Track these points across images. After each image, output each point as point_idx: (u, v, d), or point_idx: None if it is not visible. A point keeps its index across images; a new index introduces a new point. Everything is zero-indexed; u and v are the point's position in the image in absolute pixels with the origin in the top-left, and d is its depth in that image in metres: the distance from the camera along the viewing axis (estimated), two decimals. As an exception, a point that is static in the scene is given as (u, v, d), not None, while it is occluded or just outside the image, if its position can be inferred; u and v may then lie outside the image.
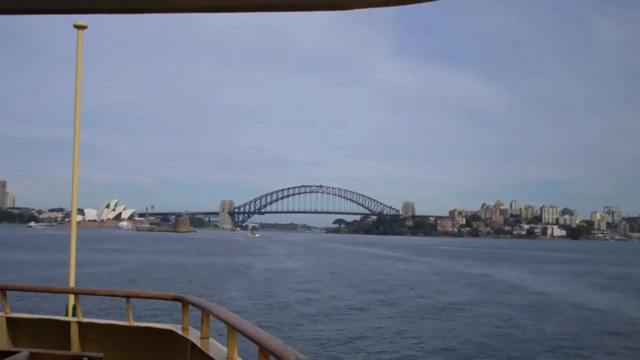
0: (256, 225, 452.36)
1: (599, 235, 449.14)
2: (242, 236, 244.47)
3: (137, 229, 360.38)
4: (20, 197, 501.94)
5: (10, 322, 8.99)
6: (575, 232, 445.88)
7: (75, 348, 8.52)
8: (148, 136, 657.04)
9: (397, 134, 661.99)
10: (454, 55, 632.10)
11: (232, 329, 5.96)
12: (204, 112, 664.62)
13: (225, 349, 6.53)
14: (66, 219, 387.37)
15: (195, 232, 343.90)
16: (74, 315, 9.08)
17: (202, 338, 7.38)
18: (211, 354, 6.71)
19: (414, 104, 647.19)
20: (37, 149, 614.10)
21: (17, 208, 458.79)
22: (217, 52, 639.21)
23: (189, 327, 8.02)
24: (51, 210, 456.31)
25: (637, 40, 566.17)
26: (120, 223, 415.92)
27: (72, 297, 9.39)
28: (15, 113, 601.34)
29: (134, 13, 1.85)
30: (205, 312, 7.25)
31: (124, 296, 8.69)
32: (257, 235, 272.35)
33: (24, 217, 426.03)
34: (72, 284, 10.32)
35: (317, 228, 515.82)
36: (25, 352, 6.08)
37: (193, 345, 7.37)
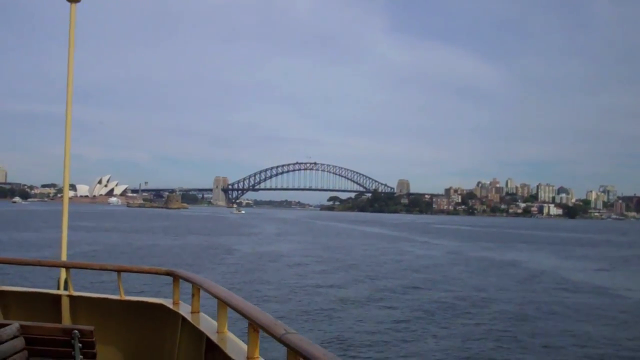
0: (242, 202, 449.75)
1: (596, 214, 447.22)
2: (237, 215, 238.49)
3: (128, 205, 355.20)
4: (12, 172, 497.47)
5: (1, 295, 8.85)
6: (571, 211, 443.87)
7: (66, 321, 8.51)
8: (143, 113, 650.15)
9: (392, 111, 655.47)
10: (450, 33, 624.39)
11: (223, 303, 5.96)
12: (199, 89, 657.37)
13: (215, 323, 6.54)
14: (58, 195, 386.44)
15: (187, 208, 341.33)
16: (65, 288, 8.99)
17: (192, 312, 7.38)
18: (201, 328, 6.69)
19: (409, 82, 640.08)
20: (30, 125, 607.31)
21: (9, 183, 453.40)
22: (213, 28, 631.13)
23: (180, 302, 7.96)
24: (44, 186, 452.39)
25: (633, 18, 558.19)
26: (110, 199, 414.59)
27: (63, 271, 9.29)
28: (8, 88, 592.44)
29: None
30: (196, 287, 7.19)
31: (115, 270, 8.50)
32: (243, 212, 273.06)
33: (15, 192, 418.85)
34: (63, 257, 10.23)
35: (311, 205, 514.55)
36: (15, 325, 6.21)
37: (184, 319, 7.38)
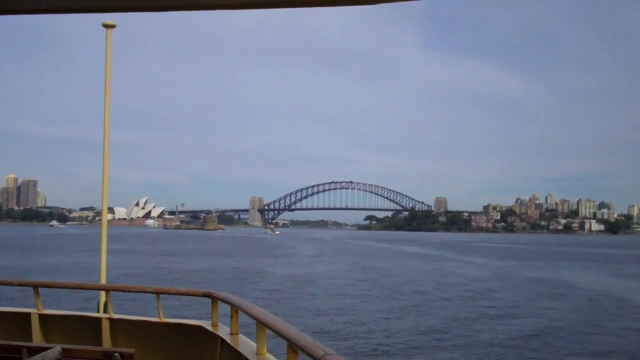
0: (278, 222, 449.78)
1: (638, 229, 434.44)
2: (271, 235, 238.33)
3: (165, 227, 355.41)
4: (51, 196, 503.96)
5: (43, 318, 9.08)
6: (613, 227, 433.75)
7: (107, 344, 8.65)
8: (179, 135, 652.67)
9: (427, 129, 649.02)
10: (484, 48, 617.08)
11: (261, 324, 6.02)
12: (233, 111, 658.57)
13: (254, 344, 6.62)
14: (96, 218, 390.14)
15: (223, 229, 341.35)
16: (105, 311, 9.20)
17: (231, 334, 7.46)
18: (241, 350, 6.81)
19: (443, 98, 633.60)
20: (69, 149, 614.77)
21: (48, 207, 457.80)
22: (244, 50, 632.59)
23: (219, 323, 8.07)
24: (82, 209, 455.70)
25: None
26: (147, 221, 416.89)
27: (103, 294, 9.43)
28: (47, 113, 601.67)
29: (161, 11, 1.94)
30: (235, 308, 7.27)
31: (154, 292, 8.61)
32: (277, 232, 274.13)
33: (54, 216, 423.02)
34: (103, 280, 10.51)
35: (347, 225, 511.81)
36: (57, 348, 6.18)
37: (223, 341, 7.45)
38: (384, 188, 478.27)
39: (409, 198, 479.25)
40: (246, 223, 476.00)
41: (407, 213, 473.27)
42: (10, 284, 9.71)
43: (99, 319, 8.95)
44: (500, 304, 39.94)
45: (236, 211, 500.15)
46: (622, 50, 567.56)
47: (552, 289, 51.44)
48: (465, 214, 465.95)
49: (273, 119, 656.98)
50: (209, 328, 8.01)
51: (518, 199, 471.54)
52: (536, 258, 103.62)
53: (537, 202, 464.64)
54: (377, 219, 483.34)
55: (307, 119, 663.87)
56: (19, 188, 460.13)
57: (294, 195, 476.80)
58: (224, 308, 7.74)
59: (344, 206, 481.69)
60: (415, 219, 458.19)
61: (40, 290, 9.34)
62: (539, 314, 36.31)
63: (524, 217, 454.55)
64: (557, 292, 48.79)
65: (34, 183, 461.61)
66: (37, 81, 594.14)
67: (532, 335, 28.81)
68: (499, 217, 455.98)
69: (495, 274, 67.12)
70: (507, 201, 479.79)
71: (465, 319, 33.34)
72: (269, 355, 6.27)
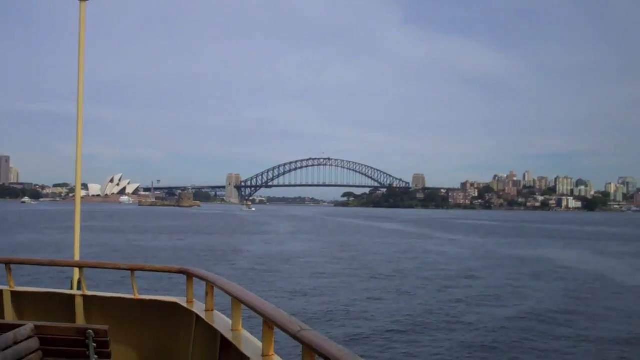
0: (255, 199, 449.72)
1: (615, 206, 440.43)
2: (247, 212, 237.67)
3: (140, 204, 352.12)
4: (25, 172, 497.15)
5: (15, 295, 9.04)
6: (590, 204, 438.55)
7: (80, 321, 8.63)
8: (155, 110, 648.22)
9: (406, 105, 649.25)
10: (464, 24, 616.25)
11: (237, 300, 6.05)
12: (211, 86, 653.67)
13: (230, 321, 6.62)
14: (70, 194, 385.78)
15: (199, 206, 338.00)
16: (79, 288, 9.17)
17: (206, 310, 7.44)
18: (216, 326, 6.80)
19: (424, 75, 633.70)
20: (42, 124, 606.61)
21: (21, 183, 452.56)
22: (225, 24, 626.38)
23: (194, 300, 8.05)
24: (55, 186, 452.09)
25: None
26: (122, 198, 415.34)
27: (76, 271, 9.57)
28: (21, 88, 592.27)
29: None
30: (210, 285, 7.25)
31: (128, 269, 8.60)
32: (254, 209, 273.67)
33: (27, 192, 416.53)
34: (76, 257, 10.52)
35: (325, 202, 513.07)
36: (30, 325, 6.32)
37: (198, 317, 7.44)
38: (362, 165, 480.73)
39: (387, 175, 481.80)
40: (223, 200, 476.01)
41: (384, 190, 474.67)
42: None
43: (72, 296, 8.90)
44: (482, 284, 38.37)
45: (213, 188, 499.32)
46: (609, 25, 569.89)
47: (534, 267, 50.00)
48: (443, 190, 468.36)
49: (251, 94, 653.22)
50: (184, 305, 8.00)
51: (496, 176, 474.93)
52: (515, 235, 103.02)
53: (515, 179, 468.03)
54: (355, 196, 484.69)
55: (286, 95, 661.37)
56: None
57: (272, 172, 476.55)
58: (199, 285, 7.69)
59: (321, 183, 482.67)
60: (393, 196, 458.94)
61: (13, 267, 9.23)
62: (523, 294, 34.81)
63: (501, 194, 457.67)
64: (539, 270, 47.30)
65: (7, 159, 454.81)
66: (11, 55, 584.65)
67: (518, 317, 27.16)
68: (476, 194, 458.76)
69: (475, 251, 65.86)
70: (486, 178, 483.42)
71: (448, 300, 31.65)
72: (244, 331, 6.29)
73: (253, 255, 56.31)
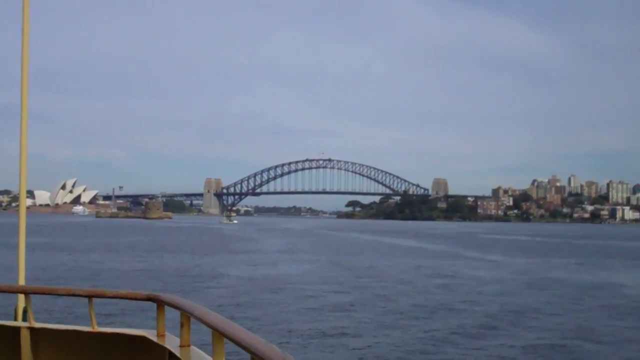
0: (239, 209, 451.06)
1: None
2: (228, 226, 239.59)
3: (97, 215, 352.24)
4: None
5: None
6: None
7: (27, 359, 8.68)
8: (119, 101, 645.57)
9: (424, 94, 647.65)
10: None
11: (219, 333, 5.79)
12: (187, 72, 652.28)
13: (210, 358, 6.46)
14: (12, 204, 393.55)
15: (171, 218, 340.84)
16: (24, 319, 9.27)
17: (182, 346, 7.35)
18: None
19: (445, 57, 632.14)
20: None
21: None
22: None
23: (166, 333, 8.01)
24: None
25: None
26: (76, 208, 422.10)
27: (21, 298, 9.65)
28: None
29: None
30: (186, 315, 7.13)
31: (85, 296, 8.47)
32: (235, 221, 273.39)
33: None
34: (21, 282, 10.62)
35: (326, 212, 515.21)
36: None
37: (171, 354, 7.39)
38: (371, 167, 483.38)
39: (402, 180, 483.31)
40: (200, 210, 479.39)
41: (398, 198, 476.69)
42: None
43: (16, 329, 8.94)
44: (540, 325, 35.80)
45: (188, 196, 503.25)
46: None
47: (603, 298, 48.01)
48: (470, 199, 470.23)
49: (235, 81, 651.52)
50: (154, 339, 7.89)
51: (535, 180, 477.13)
52: (565, 254, 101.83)
53: (558, 184, 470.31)
54: (362, 206, 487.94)
55: (277, 81, 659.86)
56: None
57: (260, 176, 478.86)
58: (172, 315, 7.57)
59: (321, 190, 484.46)
60: (409, 205, 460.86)
61: None
62: (587, 330, 33.34)
63: (541, 202, 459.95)
64: (611, 303, 45.33)
65: None
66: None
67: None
68: (511, 203, 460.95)
69: (520, 277, 63.88)
70: (522, 183, 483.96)
71: (497, 352, 28.73)
72: None
73: (235, 280, 55.78)
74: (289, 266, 71.76)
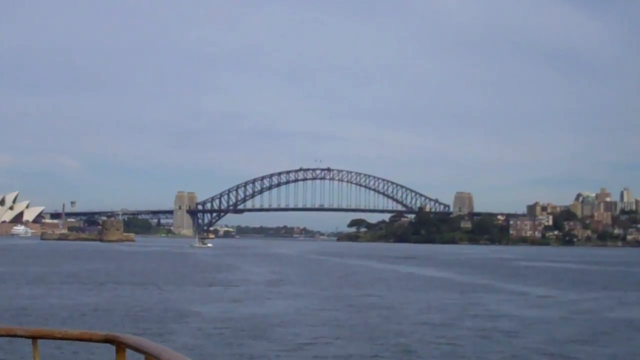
0: (218, 230, 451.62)
1: None
2: (201, 250, 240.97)
3: (43, 237, 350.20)
4: None
5: None
6: None
7: None
8: (69, 98, 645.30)
9: (448, 90, 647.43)
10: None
11: None
12: (154, 62, 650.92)
13: None
14: None
15: (133, 240, 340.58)
16: None
17: None
18: None
19: (470, 44, 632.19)
20: None
21: None
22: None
23: None
24: None
25: None
26: (16, 228, 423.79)
27: None
28: None
29: None
30: (151, 359, 6.82)
31: (29, 336, 8.04)
32: (210, 245, 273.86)
33: None
34: None
35: (323, 234, 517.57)
36: None
37: None
38: (379, 179, 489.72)
39: (417, 194, 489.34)
40: (170, 231, 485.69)
41: (413, 216, 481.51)
42: None
43: None
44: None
45: (154, 213, 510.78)
46: None
47: None
48: (500, 217, 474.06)
49: (209, 73, 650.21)
50: None
51: (579, 195, 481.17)
52: (627, 287, 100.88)
53: (608, 199, 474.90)
54: (368, 226, 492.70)
55: (264, 72, 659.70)
56: None
57: (243, 189, 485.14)
58: (134, 359, 7.40)
59: (317, 206, 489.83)
60: (426, 225, 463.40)
61: None
62: None
63: (588, 222, 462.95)
64: None
65: None
66: None
67: None
68: (550, 222, 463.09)
69: (574, 315, 62.55)
70: (564, 198, 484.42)
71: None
72: None
73: (208, 321, 54.62)
74: (277, 303, 70.45)
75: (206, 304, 66.87)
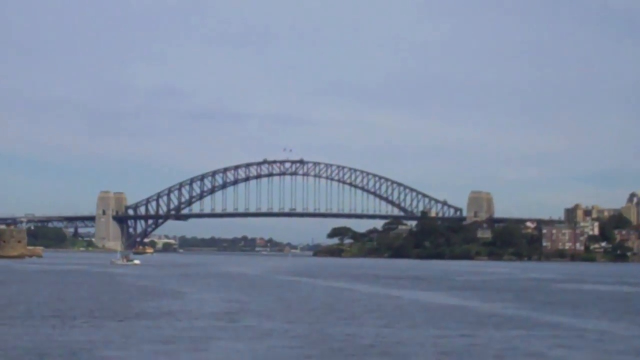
0: (154, 241, 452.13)
1: None
2: (125, 269, 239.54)
3: None
4: None
5: None
6: None
7: None
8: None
9: (456, 58, 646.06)
10: None
11: None
12: (67, 21, 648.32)
13: None
14: None
15: (40, 256, 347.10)
16: None
17: None
18: None
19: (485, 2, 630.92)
20: None
21: None
22: None
23: None
24: None
25: None
26: None
27: None
28: None
29: None
30: None
31: None
32: (137, 262, 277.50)
33: None
34: None
35: (295, 247, 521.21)
36: None
37: None
38: (369, 174, 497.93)
39: (419, 193, 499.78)
40: (91, 243, 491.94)
41: (414, 224, 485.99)
42: None
43: None
44: None
45: (70, 220, 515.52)
46: None
47: None
48: (529, 224, 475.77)
49: (138, 36, 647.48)
50: None
51: (634, 195, 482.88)
52: None
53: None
54: (354, 236, 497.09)
55: (215, 39, 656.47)
56: None
57: (188, 188, 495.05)
58: None
59: (287, 210, 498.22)
60: (431, 235, 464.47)
61: None
62: None
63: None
64: None
65: None
66: None
67: None
68: (596, 231, 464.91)
69: None
70: (614, 200, 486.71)
71: None
72: None
73: None
74: (230, 346, 65.98)
75: (127, 347, 62.56)
